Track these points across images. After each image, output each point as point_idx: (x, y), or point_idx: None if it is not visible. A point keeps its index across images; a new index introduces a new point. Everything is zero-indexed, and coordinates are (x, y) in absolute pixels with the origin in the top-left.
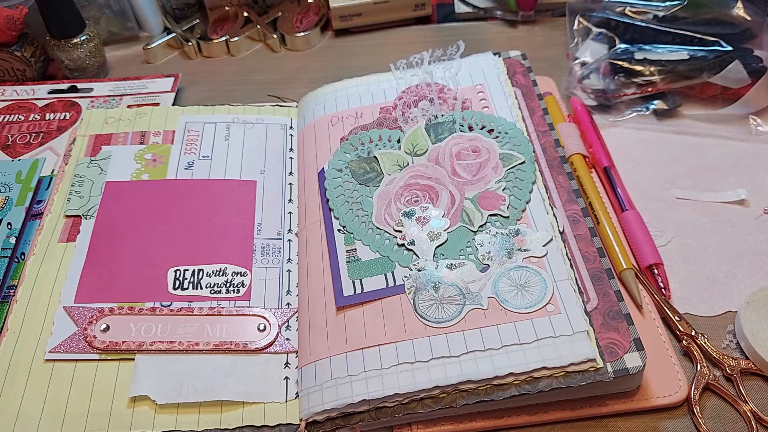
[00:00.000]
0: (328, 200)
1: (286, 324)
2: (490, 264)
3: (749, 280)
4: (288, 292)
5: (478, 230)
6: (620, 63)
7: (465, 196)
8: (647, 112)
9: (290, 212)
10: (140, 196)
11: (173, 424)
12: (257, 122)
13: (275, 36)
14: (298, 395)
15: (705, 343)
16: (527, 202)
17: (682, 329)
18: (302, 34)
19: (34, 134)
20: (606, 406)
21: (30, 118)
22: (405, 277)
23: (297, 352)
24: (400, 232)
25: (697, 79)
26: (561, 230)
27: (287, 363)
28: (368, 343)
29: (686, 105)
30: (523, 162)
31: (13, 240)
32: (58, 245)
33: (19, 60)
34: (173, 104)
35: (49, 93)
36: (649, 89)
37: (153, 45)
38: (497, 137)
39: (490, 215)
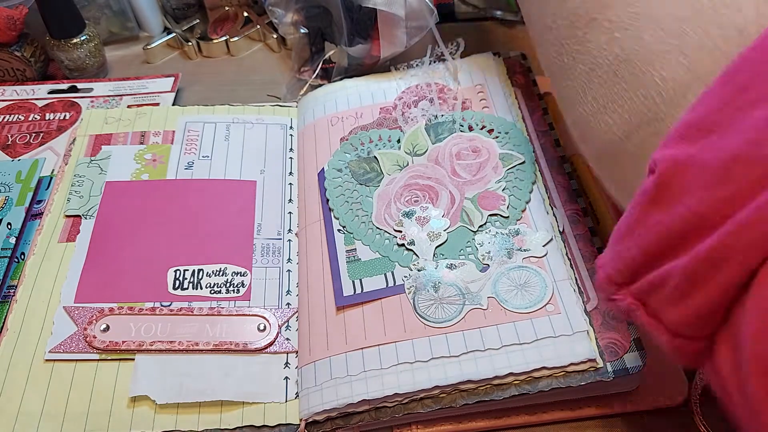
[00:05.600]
0: (328, 200)
1: (286, 324)
2: (490, 264)
3: None
4: (288, 292)
5: (478, 230)
6: None
7: (465, 196)
8: None
9: (290, 212)
10: (140, 196)
11: (173, 424)
12: (257, 122)
13: (275, 36)
14: (298, 395)
15: None
16: (527, 202)
17: None
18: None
19: (34, 134)
20: (606, 406)
21: (30, 118)
22: (405, 277)
23: (297, 352)
24: (400, 232)
25: None
26: (561, 230)
27: (287, 363)
28: (368, 343)
29: None
30: (523, 162)
31: (13, 240)
32: (58, 245)
33: (19, 60)
34: (173, 104)
35: (49, 93)
36: None
37: (153, 45)
38: (497, 137)
39: (490, 215)
